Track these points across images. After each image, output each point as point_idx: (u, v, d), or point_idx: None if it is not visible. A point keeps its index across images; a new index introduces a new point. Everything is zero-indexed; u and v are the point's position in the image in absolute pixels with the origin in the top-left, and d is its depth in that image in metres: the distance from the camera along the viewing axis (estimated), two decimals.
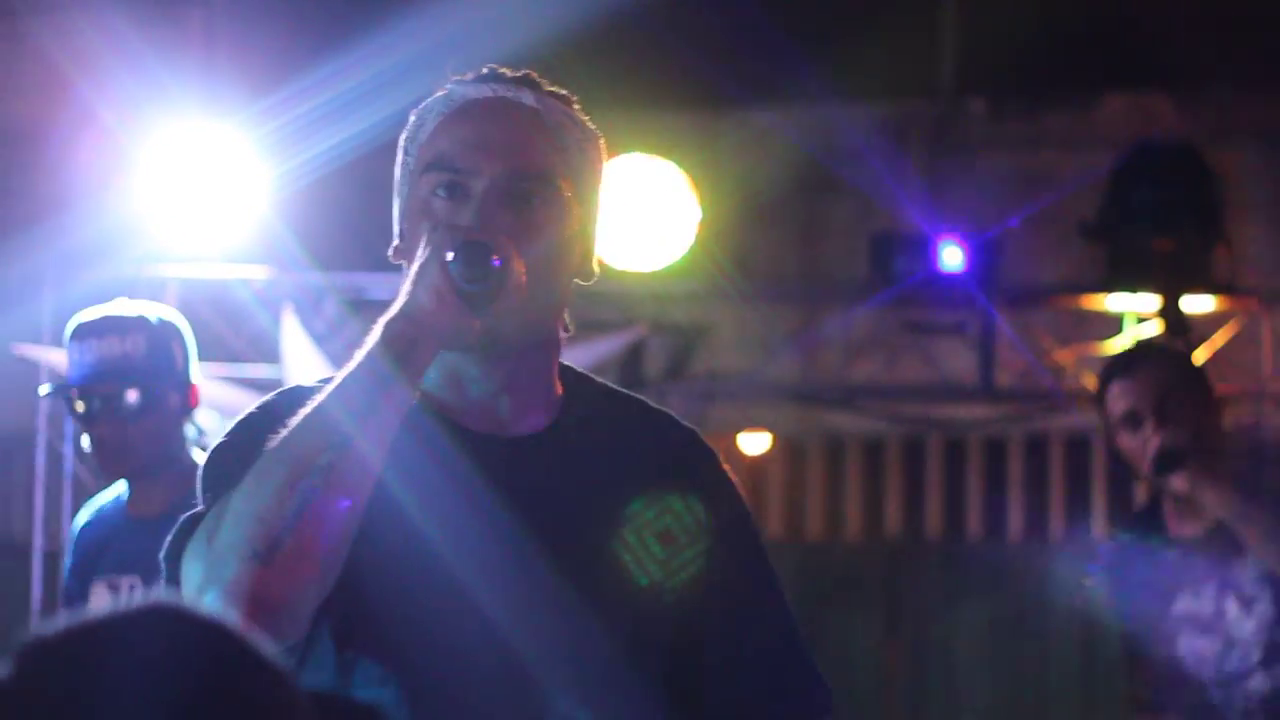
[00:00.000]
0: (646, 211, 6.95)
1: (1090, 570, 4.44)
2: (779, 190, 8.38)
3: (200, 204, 6.84)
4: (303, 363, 6.98)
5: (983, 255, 7.07)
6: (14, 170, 8.46)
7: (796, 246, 8.64)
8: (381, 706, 2.15)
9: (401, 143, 2.30)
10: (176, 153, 6.76)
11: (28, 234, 7.10)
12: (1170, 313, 7.03)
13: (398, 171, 2.30)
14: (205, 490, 2.15)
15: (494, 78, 2.29)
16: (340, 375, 2.10)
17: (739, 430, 8.32)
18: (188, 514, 2.13)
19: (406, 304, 2.10)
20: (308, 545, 2.03)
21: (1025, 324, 7.54)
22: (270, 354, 7.28)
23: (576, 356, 2.84)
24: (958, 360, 7.78)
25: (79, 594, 3.95)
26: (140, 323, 3.91)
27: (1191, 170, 7.06)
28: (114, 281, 5.90)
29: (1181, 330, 7.01)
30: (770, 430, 8.59)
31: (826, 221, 8.54)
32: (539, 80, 2.31)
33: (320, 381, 2.20)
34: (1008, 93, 8.41)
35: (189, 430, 3.98)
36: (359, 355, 2.10)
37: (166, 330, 3.93)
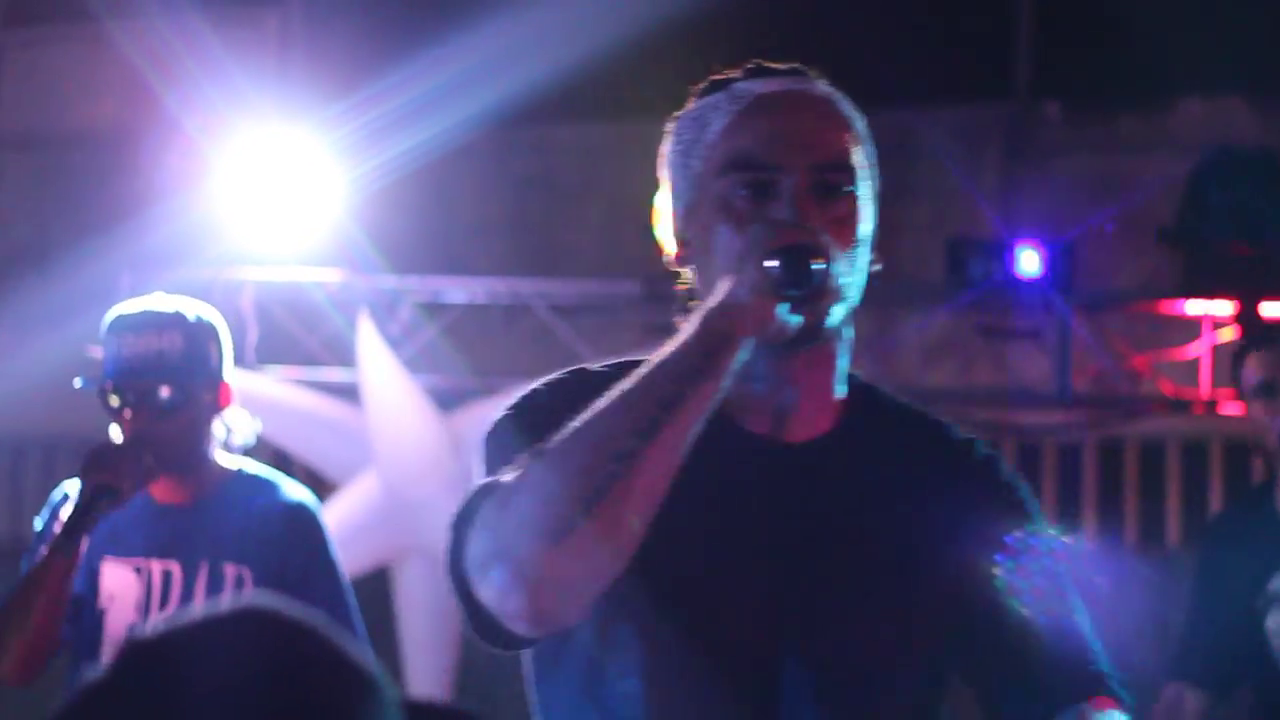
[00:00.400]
0: None
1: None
2: None
3: (276, 207, 6.90)
4: (378, 366, 6.99)
5: (1059, 260, 7.02)
6: (92, 172, 8.53)
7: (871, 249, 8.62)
8: (630, 698, 2.12)
9: (675, 146, 2.23)
10: (253, 157, 6.82)
11: (106, 236, 7.17)
12: (1248, 318, 6.98)
13: (672, 176, 2.23)
14: (490, 462, 2.12)
15: (767, 71, 2.23)
16: (651, 362, 2.04)
17: None
18: (480, 483, 2.09)
19: (727, 299, 2.05)
20: (602, 531, 1.98)
21: (1101, 329, 7.49)
22: (345, 357, 7.30)
23: None
24: (1033, 365, 7.73)
25: (87, 570, 3.93)
26: (177, 319, 3.92)
27: (1269, 175, 7.03)
28: (190, 283, 5.93)
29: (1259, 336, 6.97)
30: None
31: (901, 225, 8.51)
32: (808, 71, 2.26)
33: (605, 367, 2.18)
34: (1083, 96, 8.37)
35: (219, 429, 4.00)
36: (672, 345, 2.05)
37: (203, 329, 3.95)
